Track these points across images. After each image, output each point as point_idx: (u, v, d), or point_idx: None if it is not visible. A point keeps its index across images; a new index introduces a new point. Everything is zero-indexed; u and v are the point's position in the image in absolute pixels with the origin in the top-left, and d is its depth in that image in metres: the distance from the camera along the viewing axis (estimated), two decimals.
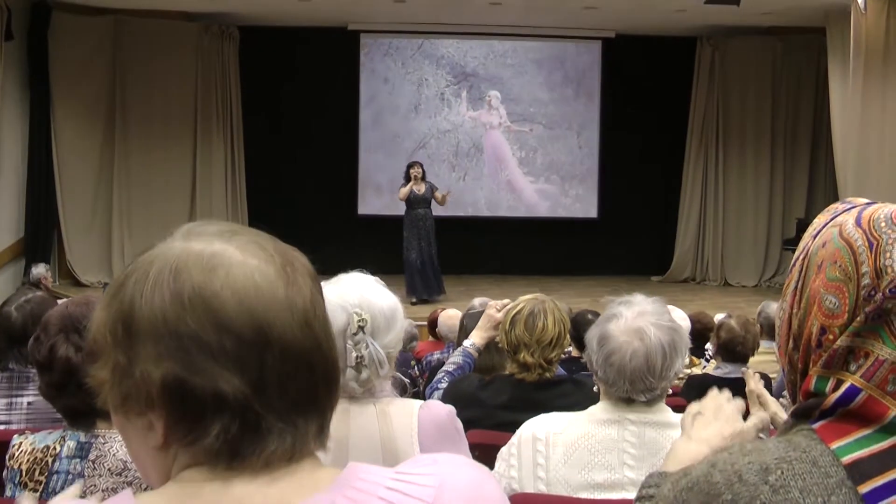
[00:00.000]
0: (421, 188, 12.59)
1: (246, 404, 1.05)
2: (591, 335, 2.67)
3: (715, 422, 1.72)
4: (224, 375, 1.04)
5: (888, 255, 1.21)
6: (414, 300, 12.33)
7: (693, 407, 1.79)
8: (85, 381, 2.28)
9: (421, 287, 12.64)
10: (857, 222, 1.26)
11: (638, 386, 2.57)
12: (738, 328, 5.33)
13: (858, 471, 1.17)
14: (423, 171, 12.78)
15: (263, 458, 1.06)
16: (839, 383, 1.23)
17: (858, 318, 1.22)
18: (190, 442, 1.06)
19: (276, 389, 1.06)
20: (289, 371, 1.07)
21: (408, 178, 12.68)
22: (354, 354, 2.29)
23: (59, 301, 3.39)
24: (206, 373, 1.04)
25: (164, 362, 1.04)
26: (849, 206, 1.32)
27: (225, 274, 1.06)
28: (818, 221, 1.34)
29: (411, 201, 12.64)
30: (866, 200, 1.33)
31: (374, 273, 2.51)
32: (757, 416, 1.75)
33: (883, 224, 1.24)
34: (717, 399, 1.79)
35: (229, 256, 1.08)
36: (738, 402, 1.79)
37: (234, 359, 1.04)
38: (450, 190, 13.37)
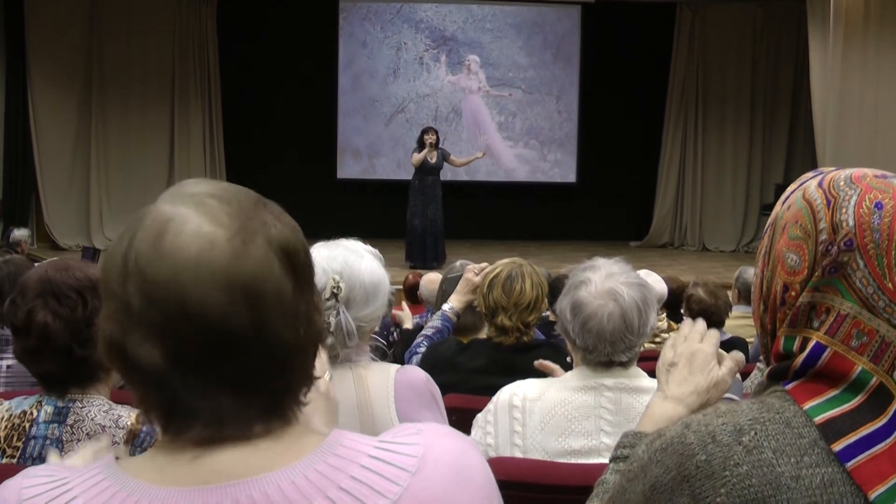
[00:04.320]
0: (433, 156, 12.37)
1: (164, 378, 1.05)
2: (563, 305, 2.66)
3: (690, 376, 1.66)
4: (146, 346, 1.04)
5: (844, 210, 1.24)
6: (412, 265, 12.16)
7: (667, 354, 1.72)
8: (61, 348, 2.27)
9: (419, 254, 12.49)
10: (819, 184, 1.30)
11: (619, 346, 2.58)
12: (707, 298, 5.34)
13: (831, 429, 1.19)
14: (438, 138, 12.59)
15: (191, 438, 1.06)
16: (805, 341, 1.26)
17: (817, 273, 1.25)
18: (142, 409, 1.09)
19: (195, 367, 1.04)
20: (212, 350, 1.04)
21: (421, 144, 12.45)
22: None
23: (36, 264, 3.37)
24: (134, 340, 1.04)
25: (109, 323, 1.06)
26: (817, 174, 1.35)
27: (169, 243, 1.04)
28: (789, 189, 1.37)
29: (422, 169, 12.44)
30: (835, 168, 1.35)
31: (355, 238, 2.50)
32: (731, 360, 1.71)
33: (842, 183, 1.27)
34: (691, 341, 1.71)
35: (181, 226, 1.05)
36: (713, 335, 1.73)
37: (157, 331, 1.03)
38: (484, 152, 13.37)
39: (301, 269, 1.11)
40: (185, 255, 1.03)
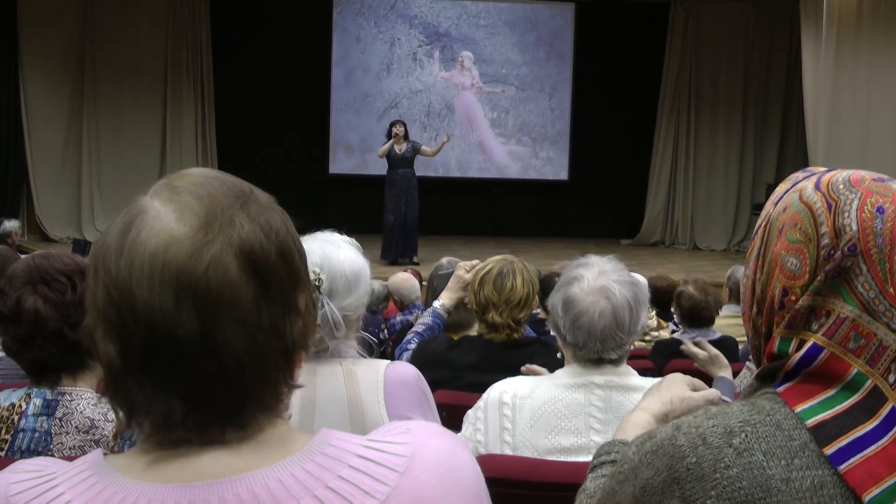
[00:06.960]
0: (402, 147, 12.28)
1: (120, 376, 1.04)
2: (555, 301, 2.66)
3: (662, 392, 1.74)
4: (106, 341, 1.04)
5: (846, 214, 1.24)
6: (387, 261, 12.15)
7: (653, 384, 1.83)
8: (52, 332, 2.27)
9: (394, 249, 12.41)
10: (817, 186, 1.29)
11: (609, 344, 2.58)
12: (697, 294, 5.34)
13: (823, 432, 1.19)
14: (406, 130, 12.49)
15: (167, 438, 1.05)
16: (802, 343, 1.25)
17: (819, 278, 1.24)
18: (109, 403, 1.09)
19: (142, 369, 1.03)
20: (157, 353, 1.02)
21: (390, 137, 12.40)
22: None
23: (22, 256, 3.35)
24: (99, 333, 1.05)
25: (88, 310, 1.06)
26: (809, 174, 1.34)
27: (132, 239, 1.03)
28: (779, 189, 1.37)
29: (392, 161, 12.37)
30: (825, 168, 1.35)
31: (345, 233, 2.50)
32: (708, 392, 1.76)
33: (841, 186, 1.27)
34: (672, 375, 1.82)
35: (147, 221, 1.03)
36: (694, 379, 1.80)
37: (113, 328, 1.03)
38: (448, 136, 13.12)
39: (270, 274, 1.06)
40: (141, 253, 1.01)
